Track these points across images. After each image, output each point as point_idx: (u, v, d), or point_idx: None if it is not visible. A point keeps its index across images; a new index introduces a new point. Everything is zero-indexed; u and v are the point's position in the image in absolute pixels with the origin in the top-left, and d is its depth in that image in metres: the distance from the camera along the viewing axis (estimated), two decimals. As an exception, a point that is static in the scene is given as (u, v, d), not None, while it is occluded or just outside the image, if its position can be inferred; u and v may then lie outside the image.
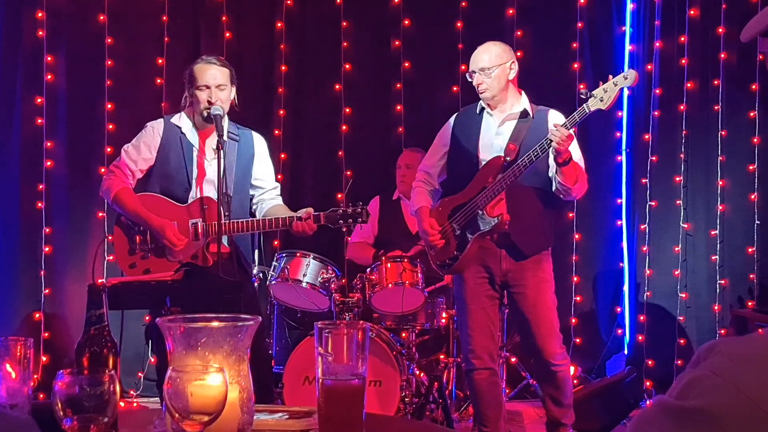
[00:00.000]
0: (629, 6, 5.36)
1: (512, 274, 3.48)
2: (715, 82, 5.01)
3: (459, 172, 3.57)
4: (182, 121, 3.53)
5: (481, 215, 3.43)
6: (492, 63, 3.47)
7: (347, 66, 5.44)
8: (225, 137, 3.42)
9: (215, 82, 3.40)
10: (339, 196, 5.33)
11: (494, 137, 3.51)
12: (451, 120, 3.69)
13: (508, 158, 3.40)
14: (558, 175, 3.34)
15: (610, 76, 3.27)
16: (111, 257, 4.98)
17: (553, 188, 3.46)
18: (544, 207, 3.50)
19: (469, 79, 3.54)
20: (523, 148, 3.39)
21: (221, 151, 3.26)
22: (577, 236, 5.24)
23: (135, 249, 3.46)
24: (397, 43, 5.45)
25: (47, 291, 4.90)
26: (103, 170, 4.98)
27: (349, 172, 5.39)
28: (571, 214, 5.22)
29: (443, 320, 4.31)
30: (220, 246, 3.31)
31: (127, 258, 3.47)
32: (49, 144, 4.95)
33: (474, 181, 3.47)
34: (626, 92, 5.33)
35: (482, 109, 3.57)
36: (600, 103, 3.24)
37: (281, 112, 5.40)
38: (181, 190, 3.46)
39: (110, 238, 4.95)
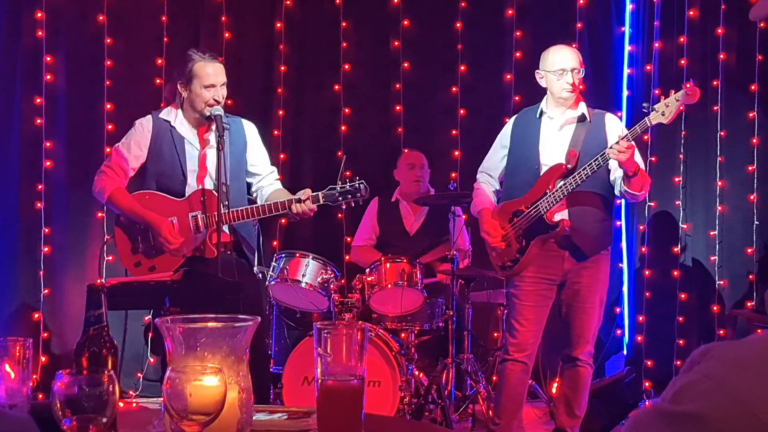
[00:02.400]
0: (628, 6, 5.36)
1: (571, 274, 3.55)
2: (714, 83, 5.01)
3: (519, 175, 3.61)
4: (171, 115, 3.52)
5: (543, 220, 3.47)
6: (580, 64, 3.52)
7: (347, 66, 5.44)
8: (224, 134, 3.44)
9: (220, 81, 3.42)
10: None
11: (554, 141, 3.55)
12: (511, 122, 3.75)
13: (569, 165, 3.46)
14: (625, 184, 3.39)
15: (672, 91, 3.30)
16: (111, 257, 4.98)
17: (617, 192, 3.52)
18: (603, 210, 3.58)
19: (558, 77, 3.48)
20: (583, 154, 3.45)
21: (221, 151, 3.26)
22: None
23: (138, 247, 3.45)
24: (396, 43, 5.45)
25: (46, 291, 4.90)
26: (98, 171, 4.99)
27: (348, 173, 5.38)
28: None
29: (442, 321, 4.31)
30: (220, 236, 3.29)
31: (131, 257, 3.47)
32: (48, 144, 4.94)
33: (536, 186, 3.51)
34: (625, 92, 5.33)
35: (542, 112, 3.61)
36: (662, 117, 3.27)
37: (281, 112, 5.40)
38: (177, 184, 3.46)
39: (109, 238, 4.97)
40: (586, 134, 3.52)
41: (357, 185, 3.45)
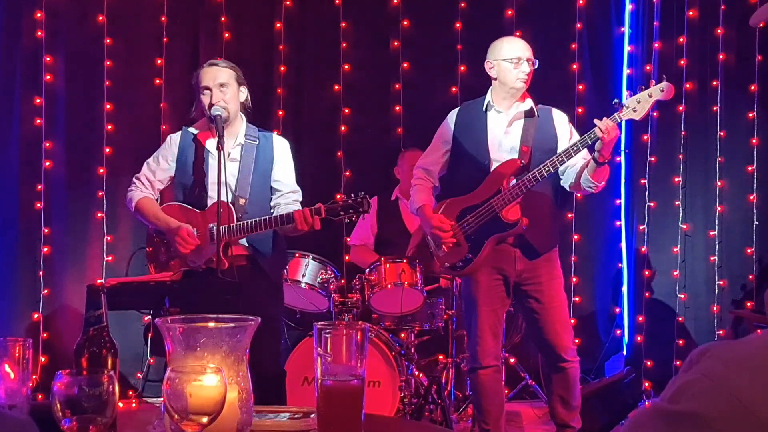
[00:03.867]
0: (628, 7, 5.36)
1: (526, 274, 3.45)
2: (714, 83, 5.01)
3: (466, 171, 3.50)
4: (197, 127, 3.54)
5: (497, 218, 3.39)
6: (533, 55, 3.46)
7: (346, 66, 5.44)
8: (241, 139, 3.42)
9: (216, 82, 3.37)
10: (338, 196, 5.32)
11: (503, 136, 3.47)
12: (452, 116, 3.61)
13: (522, 161, 3.38)
14: (590, 173, 3.30)
15: (641, 87, 3.22)
16: (110, 258, 4.99)
17: (566, 183, 3.45)
18: (554, 206, 3.52)
19: (514, 65, 3.41)
20: (534, 149, 3.38)
21: (221, 152, 3.24)
22: (576, 237, 5.24)
23: (160, 260, 3.47)
24: (396, 43, 5.45)
25: (46, 291, 4.90)
26: (102, 171, 5.00)
27: (348, 173, 5.39)
28: (570, 215, 5.21)
29: (442, 321, 4.32)
30: (223, 249, 3.27)
31: (157, 270, 3.49)
32: (47, 144, 4.94)
33: (486, 182, 3.42)
34: (625, 93, 5.31)
35: (488, 106, 3.52)
36: (633, 113, 3.21)
37: (280, 112, 5.40)
38: (200, 196, 3.45)
39: (110, 238, 4.98)
40: (536, 129, 3.44)
41: (360, 200, 3.30)
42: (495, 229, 3.41)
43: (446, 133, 3.60)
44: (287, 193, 3.55)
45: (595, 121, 3.22)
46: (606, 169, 3.33)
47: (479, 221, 3.42)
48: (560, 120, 3.52)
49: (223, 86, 3.38)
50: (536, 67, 3.46)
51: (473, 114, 3.56)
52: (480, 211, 3.42)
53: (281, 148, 3.59)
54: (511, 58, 3.43)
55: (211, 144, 3.46)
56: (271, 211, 3.52)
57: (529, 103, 3.51)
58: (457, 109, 3.66)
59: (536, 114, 3.48)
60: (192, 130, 3.53)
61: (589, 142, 3.24)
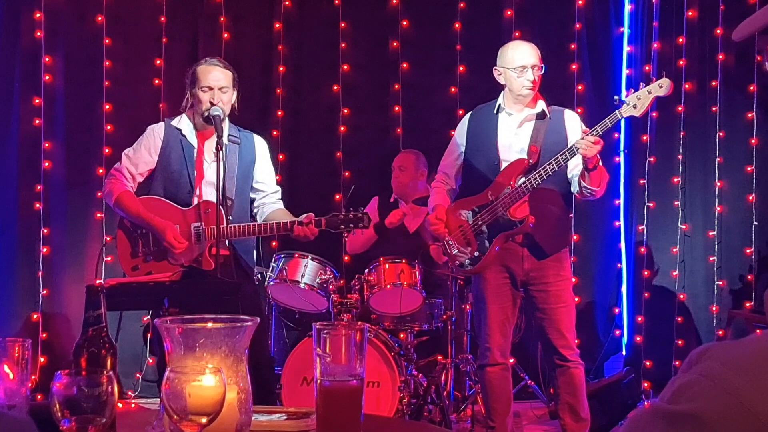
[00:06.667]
0: (627, 7, 5.37)
1: (534, 273, 3.48)
2: (713, 84, 5.01)
3: (477, 171, 3.55)
4: (182, 123, 3.53)
5: (505, 216, 3.42)
6: (539, 61, 3.46)
7: (345, 67, 5.44)
8: (225, 139, 3.41)
9: (218, 84, 3.41)
10: (337, 196, 5.33)
11: (513, 138, 3.50)
12: (466, 119, 3.68)
13: (531, 160, 3.41)
14: (584, 180, 3.34)
15: (642, 84, 3.26)
16: (110, 258, 4.98)
17: (573, 190, 3.47)
18: (562, 207, 3.54)
19: (518, 74, 3.42)
20: (544, 150, 3.41)
21: (221, 152, 3.25)
22: (575, 237, 5.23)
23: (137, 252, 3.46)
24: (395, 43, 5.45)
25: (45, 292, 4.90)
26: (101, 171, 4.99)
27: (347, 173, 5.39)
28: (569, 215, 5.21)
29: (441, 321, 4.31)
30: (219, 249, 3.30)
31: (130, 261, 3.48)
32: (47, 145, 4.94)
33: (495, 182, 3.45)
34: (624, 93, 5.33)
35: (499, 108, 3.55)
36: (633, 110, 3.24)
37: (279, 113, 5.40)
38: (184, 193, 3.47)
39: (108, 239, 4.97)
40: (546, 130, 3.46)
41: (360, 215, 3.46)
42: (503, 227, 3.44)
43: (460, 135, 3.66)
44: (270, 193, 3.63)
45: (579, 138, 3.25)
46: (599, 174, 3.33)
47: (488, 220, 3.46)
48: (572, 121, 3.54)
49: (223, 89, 3.42)
50: (543, 72, 3.47)
51: (485, 116, 3.60)
52: (488, 209, 3.45)
53: (262, 148, 3.65)
54: (514, 67, 3.44)
55: (208, 145, 3.47)
56: (254, 211, 3.60)
57: (540, 105, 3.53)
58: (471, 112, 3.70)
59: (548, 116, 3.50)
60: (176, 124, 3.53)
61: (569, 157, 3.27)
